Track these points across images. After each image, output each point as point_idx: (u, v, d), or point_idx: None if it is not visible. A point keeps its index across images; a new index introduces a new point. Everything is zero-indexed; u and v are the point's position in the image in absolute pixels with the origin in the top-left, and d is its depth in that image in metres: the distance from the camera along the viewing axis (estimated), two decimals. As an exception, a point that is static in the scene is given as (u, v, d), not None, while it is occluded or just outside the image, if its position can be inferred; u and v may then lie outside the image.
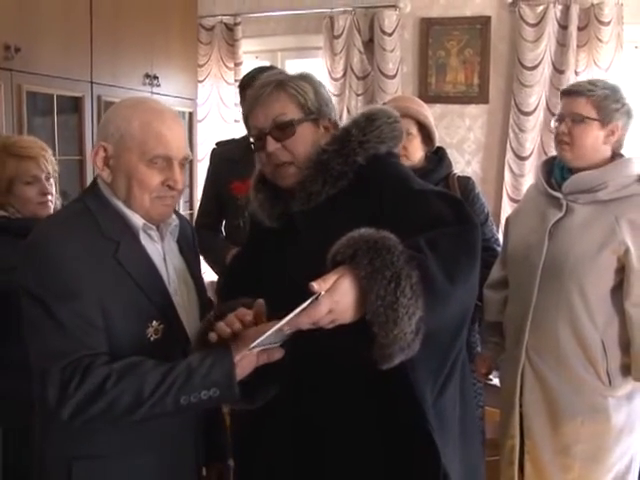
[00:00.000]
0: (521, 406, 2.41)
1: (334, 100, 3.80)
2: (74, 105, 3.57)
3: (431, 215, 1.47)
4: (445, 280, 1.32)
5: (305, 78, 1.70)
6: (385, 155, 1.66)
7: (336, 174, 1.61)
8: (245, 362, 1.42)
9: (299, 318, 1.23)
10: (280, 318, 1.27)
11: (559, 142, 2.35)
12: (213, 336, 1.45)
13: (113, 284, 1.54)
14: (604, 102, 2.27)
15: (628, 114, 2.32)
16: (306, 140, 1.65)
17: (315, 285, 1.23)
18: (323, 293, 1.23)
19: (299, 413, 1.60)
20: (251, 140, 1.73)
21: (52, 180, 2.40)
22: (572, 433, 2.32)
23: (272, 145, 1.64)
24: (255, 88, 1.69)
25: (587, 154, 2.31)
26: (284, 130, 1.64)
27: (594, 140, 2.29)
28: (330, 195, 1.62)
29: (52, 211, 2.36)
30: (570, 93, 2.35)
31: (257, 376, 1.46)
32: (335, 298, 1.25)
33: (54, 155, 2.48)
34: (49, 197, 2.36)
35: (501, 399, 2.55)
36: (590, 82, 2.37)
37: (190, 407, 1.42)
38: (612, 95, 2.30)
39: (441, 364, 1.48)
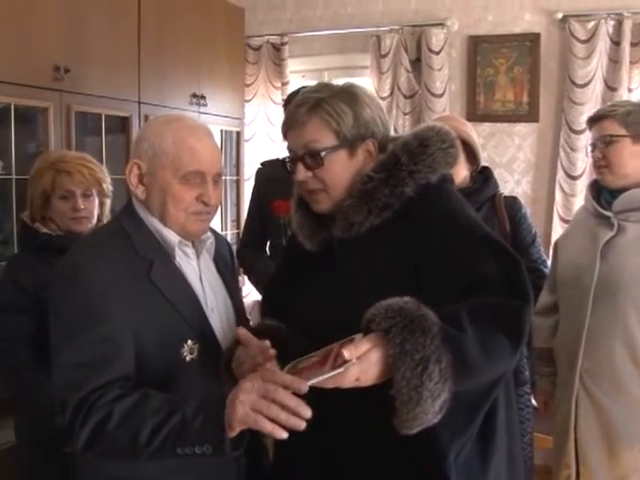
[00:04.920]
0: (575, 433, 2.32)
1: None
2: (122, 125, 3.62)
3: (477, 275, 1.41)
4: (480, 359, 1.30)
5: (346, 99, 1.58)
6: (437, 183, 1.56)
7: (381, 205, 1.53)
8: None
9: (326, 381, 1.25)
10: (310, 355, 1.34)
11: (597, 167, 2.34)
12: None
13: (146, 304, 1.52)
14: (628, 118, 2.26)
15: None
16: (337, 170, 1.57)
17: (346, 353, 1.23)
18: (354, 361, 1.24)
19: (324, 447, 1.55)
20: (286, 160, 1.68)
21: (93, 198, 2.40)
22: (630, 462, 2.23)
23: (302, 173, 1.59)
24: (291, 106, 1.62)
25: (629, 172, 2.28)
26: (314, 158, 1.57)
27: (630, 156, 2.27)
28: (373, 225, 1.54)
29: (88, 229, 2.36)
30: (594, 120, 2.36)
31: None
32: (364, 367, 1.26)
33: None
34: (83, 214, 2.35)
35: (554, 427, 2.47)
36: (611, 104, 2.41)
37: (189, 456, 1.37)
38: (635, 109, 2.28)
39: (468, 422, 1.42)
